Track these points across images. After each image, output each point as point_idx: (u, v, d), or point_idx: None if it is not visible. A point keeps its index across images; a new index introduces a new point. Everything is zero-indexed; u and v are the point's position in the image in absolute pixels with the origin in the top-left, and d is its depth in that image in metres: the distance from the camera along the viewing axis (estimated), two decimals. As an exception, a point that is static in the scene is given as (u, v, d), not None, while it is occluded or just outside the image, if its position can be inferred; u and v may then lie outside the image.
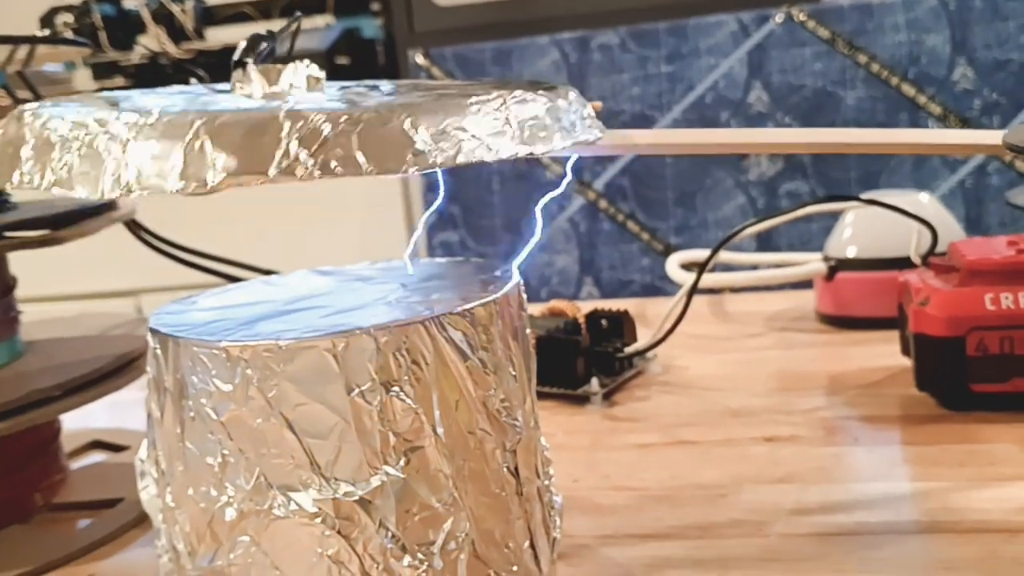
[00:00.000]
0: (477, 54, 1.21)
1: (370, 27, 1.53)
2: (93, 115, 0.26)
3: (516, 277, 0.32)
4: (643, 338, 0.53)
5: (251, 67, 0.32)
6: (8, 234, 0.38)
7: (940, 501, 0.35)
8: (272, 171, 0.24)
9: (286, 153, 0.24)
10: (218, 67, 1.40)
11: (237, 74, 0.33)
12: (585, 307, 0.56)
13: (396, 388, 0.28)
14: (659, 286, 1.11)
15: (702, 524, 0.35)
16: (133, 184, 0.25)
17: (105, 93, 0.34)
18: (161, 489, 0.31)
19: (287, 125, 0.25)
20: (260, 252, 0.61)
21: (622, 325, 0.53)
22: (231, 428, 0.28)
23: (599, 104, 0.33)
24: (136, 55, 1.49)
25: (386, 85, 0.35)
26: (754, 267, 0.68)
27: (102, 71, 1.49)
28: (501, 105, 0.28)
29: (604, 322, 0.53)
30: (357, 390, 0.27)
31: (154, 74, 1.35)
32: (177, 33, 1.48)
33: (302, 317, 0.30)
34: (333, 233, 1.31)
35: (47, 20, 1.60)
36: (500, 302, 0.30)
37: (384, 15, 1.43)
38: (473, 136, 0.27)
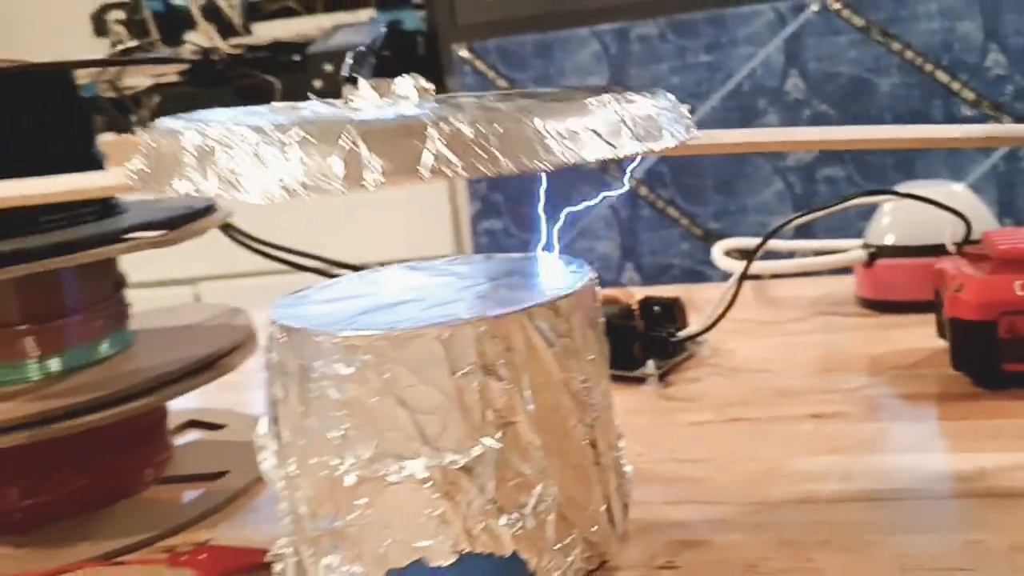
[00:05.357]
0: (519, 47, 1.24)
1: (411, 19, 1.57)
2: (247, 123, 0.29)
3: (590, 271, 0.36)
4: (691, 323, 0.57)
5: (363, 81, 0.35)
6: (127, 236, 0.42)
7: (974, 470, 0.39)
8: (423, 171, 0.27)
9: (435, 154, 0.27)
10: (268, 62, 1.44)
11: (348, 88, 0.36)
12: (637, 294, 0.59)
13: (493, 371, 0.32)
14: (699, 271, 1.15)
15: (757, 491, 0.39)
16: (298, 187, 0.28)
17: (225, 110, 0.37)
18: (283, 461, 0.35)
19: (433, 129, 0.27)
20: (315, 247, 0.64)
21: (673, 311, 0.57)
22: (350, 406, 0.32)
23: (688, 105, 0.36)
24: (186, 51, 1.54)
25: (479, 95, 0.38)
26: (791, 253, 0.71)
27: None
28: (617, 105, 0.31)
29: (656, 308, 0.57)
30: (460, 373, 0.31)
31: (206, 70, 1.39)
32: (225, 28, 1.52)
33: (408, 309, 0.34)
34: (382, 228, 1.35)
35: (98, 17, 1.66)
36: (579, 294, 0.34)
37: (427, 8, 1.47)
38: (596, 134, 0.29)
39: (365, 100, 0.35)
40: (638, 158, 0.42)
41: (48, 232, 0.43)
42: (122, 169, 0.34)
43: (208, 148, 0.29)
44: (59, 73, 0.44)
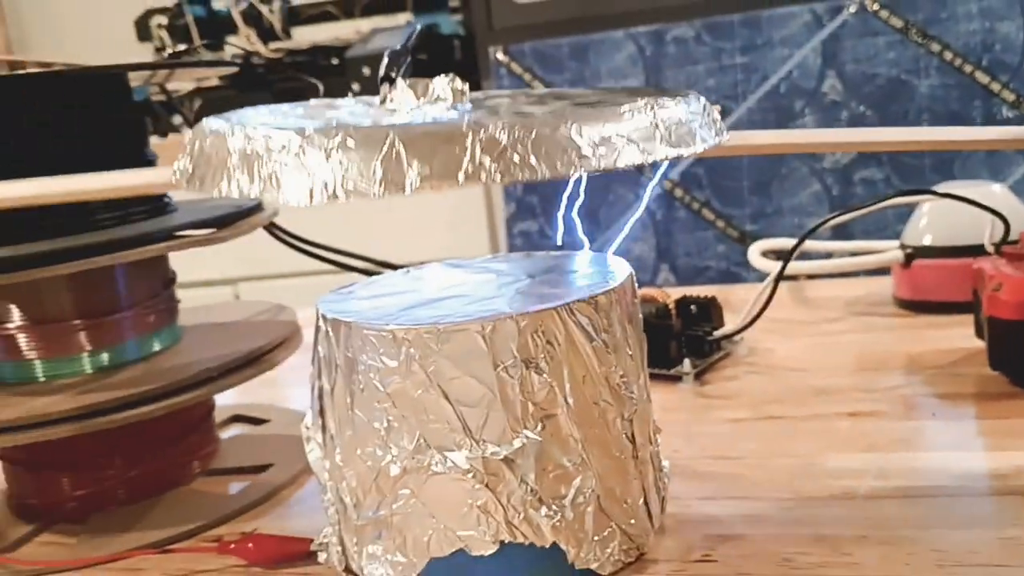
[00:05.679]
0: (555, 50, 1.25)
1: (447, 23, 1.58)
2: (292, 127, 0.30)
3: (629, 268, 0.37)
4: (728, 322, 0.57)
5: (400, 82, 0.36)
6: (178, 234, 0.44)
7: (1011, 468, 0.39)
8: (460, 176, 0.28)
9: (472, 159, 0.28)
10: (307, 66, 1.46)
11: (385, 88, 0.37)
12: (674, 293, 0.60)
13: (534, 364, 0.32)
14: (735, 272, 1.15)
15: (794, 487, 0.40)
16: (339, 190, 0.28)
17: (269, 107, 0.38)
18: (328, 451, 0.36)
19: (470, 135, 0.28)
20: (352, 249, 0.65)
21: (710, 310, 0.57)
22: (396, 398, 0.33)
23: (718, 107, 0.37)
24: (227, 55, 1.56)
25: (512, 95, 0.39)
26: (828, 254, 0.71)
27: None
28: (650, 111, 0.31)
29: (693, 307, 0.57)
30: (502, 366, 0.32)
31: (247, 73, 1.42)
32: (265, 33, 1.55)
33: (451, 304, 0.34)
34: (418, 230, 1.36)
35: (142, 22, 1.69)
36: (618, 291, 0.35)
37: (464, 13, 1.48)
38: (630, 141, 0.30)
39: (402, 100, 0.36)
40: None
41: (101, 230, 0.44)
42: (168, 168, 0.35)
43: (252, 151, 0.30)
44: (115, 76, 0.45)
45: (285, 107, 0.38)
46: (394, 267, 0.55)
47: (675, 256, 1.21)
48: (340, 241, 0.61)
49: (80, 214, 0.44)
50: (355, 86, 1.38)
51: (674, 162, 1.23)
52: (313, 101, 0.40)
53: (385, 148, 0.28)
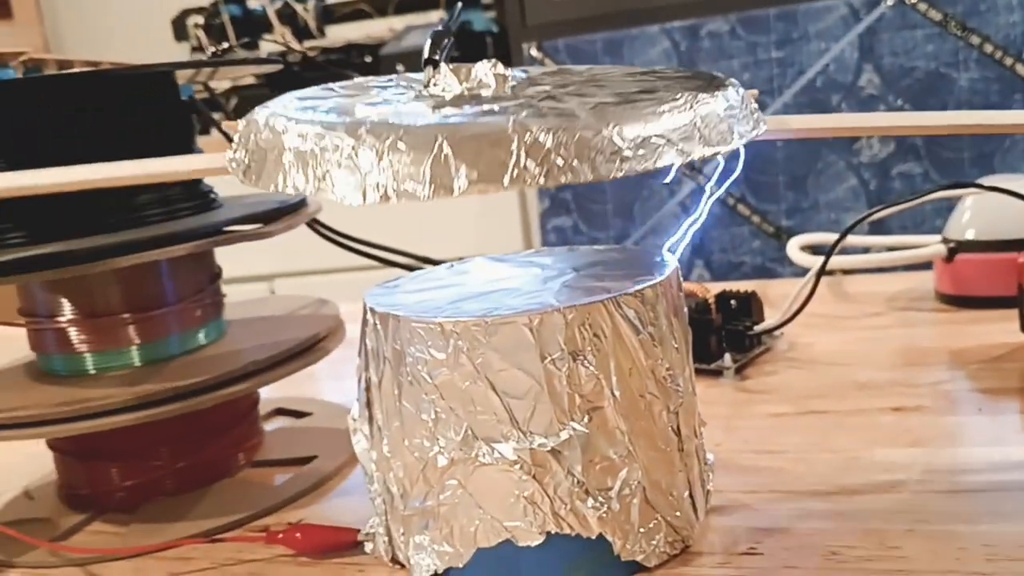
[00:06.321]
0: (589, 45, 1.25)
1: (480, 20, 1.59)
2: (343, 126, 0.30)
3: (674, 262, 0.37)
4: (767, 317, 0.57)
5: (444, 67, 0.36)
6: (226, 229, 0.44)
7: (1061, 463, 0.39)
8: (506, 180, 0.29)
9: (517, 163, 0.29)
10: (341, 64, 1.47)
11: (429, 71, 0.37)
12: (713, 288, 0.60)
13: (581, 357, 0.33)
14: (770, 267, 1.14)
15: (839, 482, 0.39)
16: (391, 192, 0.29)
17: (319, 91, 0.37)
18: (376, 442, 0.36)
19: (515, 138, 0.29)
20: (393, 243, 0.65)
21: (750, 305, 0.57)
22: (443, 390, 0.33)
23: (755, 92, 0.37)
24: (263, 53, 1.58)
25: (556, 79, 0.38)
26: (865, 249, 0.71)
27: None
28: (689, 109, 0.31)
29: (733, 302, 0.57)
30: (549, 358, 0.32)
31: (283, 72, 1.42)
32: (300, 31, 1.56)
33: (498, 297, 0.35)
34: (452, 225, 1.36)
35: (179, 22, 1.71)
36: (664, 284, 0.35)
37: (497, 9, 1.48)
38: (669, 142, 0.30)
39: (447, 85, 0.36)
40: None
41: (150, 225, 0.45)
42: (222, 156, 0.35)
43: (307, 150, 0.31)
44: (164, 75, 0.46)
45: (335, 86, 0.38)
46: (434, 262, 0.56)
47: (710, 252, 1.20)
48: (372, 235, 0.61)
49: (128, 210, 0.45)
50: (389, 83, 1.38)
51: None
52: (358, 79, 0.40)
53: (434, 151, 0.29)
